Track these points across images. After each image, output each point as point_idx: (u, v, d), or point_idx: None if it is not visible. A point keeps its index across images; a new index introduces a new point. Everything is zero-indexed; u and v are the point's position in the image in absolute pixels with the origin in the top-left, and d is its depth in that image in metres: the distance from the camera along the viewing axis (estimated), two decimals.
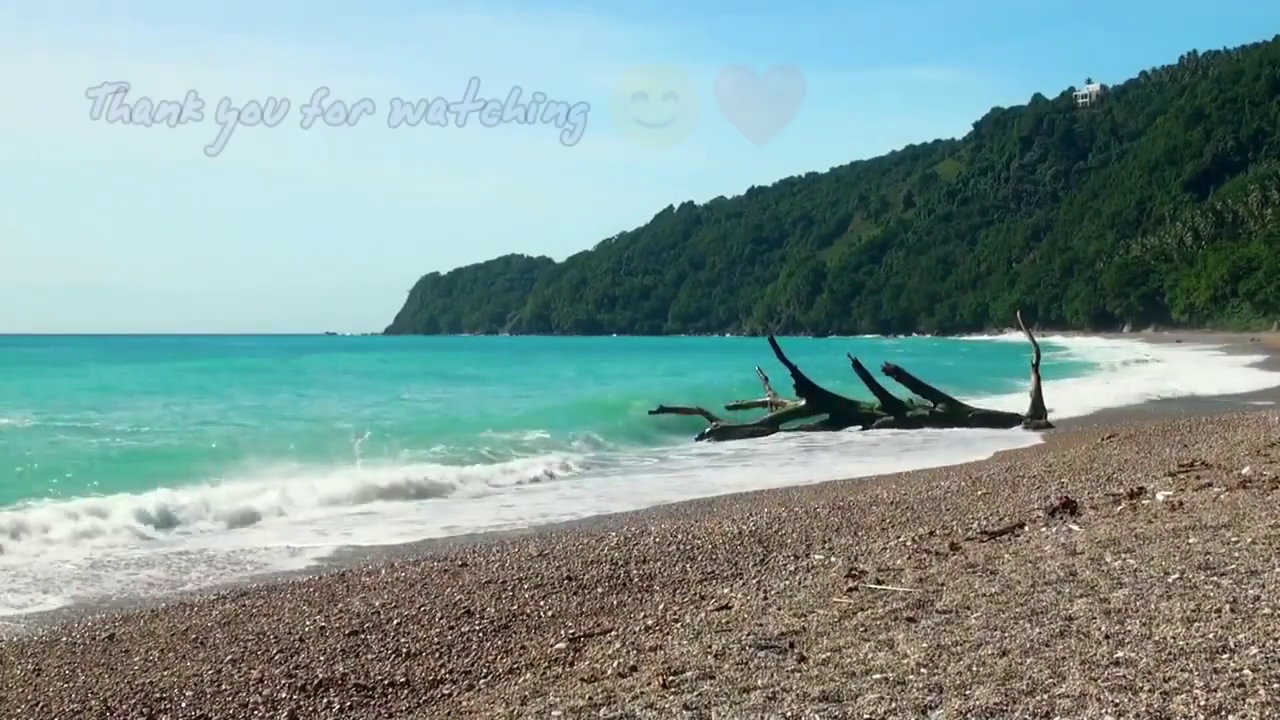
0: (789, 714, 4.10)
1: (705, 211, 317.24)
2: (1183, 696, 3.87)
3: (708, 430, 21.65)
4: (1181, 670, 4.12)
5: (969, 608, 5.40)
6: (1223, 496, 8.24)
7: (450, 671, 5.86)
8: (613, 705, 4.50)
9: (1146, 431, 16.57)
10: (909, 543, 7.82)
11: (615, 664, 5.30)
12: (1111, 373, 43.79)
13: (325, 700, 5.48)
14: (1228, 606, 4.87)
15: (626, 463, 18.07)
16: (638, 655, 5.44)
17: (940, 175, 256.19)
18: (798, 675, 4.57)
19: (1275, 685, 3.87)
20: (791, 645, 5.09)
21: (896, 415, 22.08)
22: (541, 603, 7.16)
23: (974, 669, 4.39)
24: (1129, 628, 4.72)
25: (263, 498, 12.72)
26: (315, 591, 7.80)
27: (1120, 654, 4.37)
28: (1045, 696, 3.99)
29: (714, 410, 22.96)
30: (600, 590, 7.49)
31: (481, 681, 5.66)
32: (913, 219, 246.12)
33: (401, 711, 5.37)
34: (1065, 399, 26.35)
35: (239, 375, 46.56)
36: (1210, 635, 4.49)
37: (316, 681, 5.68)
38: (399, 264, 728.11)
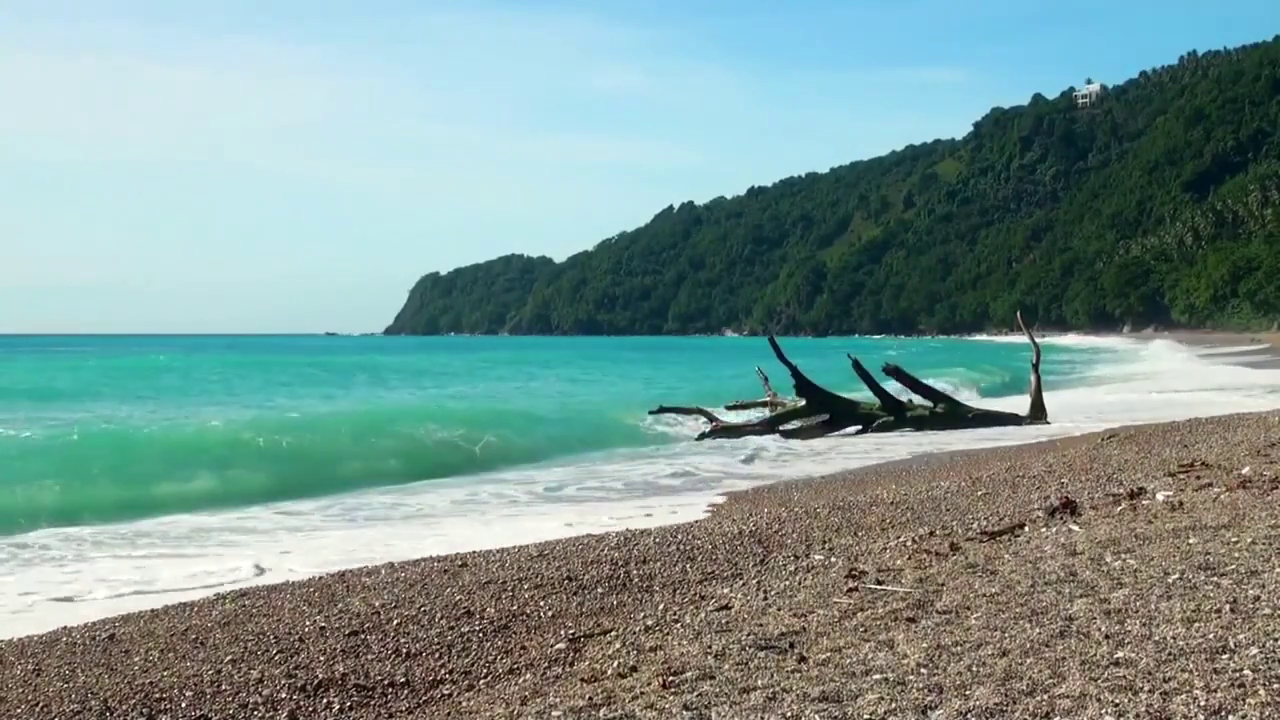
0: (789, 714, 4.10)
1: (705, 211, 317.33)
2: (1183, 697, 3.86)
3: (708, 430, 21.66)
4: (1181, 670, 4.12)
5: (969, 608, 5.40)
6: (1223, 496, 8.24)
7: (450, 671, 5.86)
8: (613, 705, 4.49)
9: (1146, 431, 16.56)
10: (909, 543, 7.82)
11: (615, 664, 5.30)
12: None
13: (325, 700, 5.47)
14: (1228, 607, 4.86)
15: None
16: (638, 655, 5.43)
17: (940, 175, 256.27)
18: (798, 675, 4.57)
19: (1275, 685, 3.87)
20: (791, 645, 5.09)
21: (896, 415, 22.07)
22: (541, 603, 7.16)
23: (974, 669, 4.39)
24: (1129, 628, 4.72)
25: None
26: (315, 591, 7.79)
27: (1120, 654, 4.37)
28: (1045, 697, 3.99)
29: (714, 410, 22.99)
30: (600, 590, 7.48)
31: (481, 681, 5.66)
32: (913, 219, 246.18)
33: (401, 711, 5.37)
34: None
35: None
36: (1210, 635, 4.49)
37: (316, 681, 5.67)
38: (399, 264, 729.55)
